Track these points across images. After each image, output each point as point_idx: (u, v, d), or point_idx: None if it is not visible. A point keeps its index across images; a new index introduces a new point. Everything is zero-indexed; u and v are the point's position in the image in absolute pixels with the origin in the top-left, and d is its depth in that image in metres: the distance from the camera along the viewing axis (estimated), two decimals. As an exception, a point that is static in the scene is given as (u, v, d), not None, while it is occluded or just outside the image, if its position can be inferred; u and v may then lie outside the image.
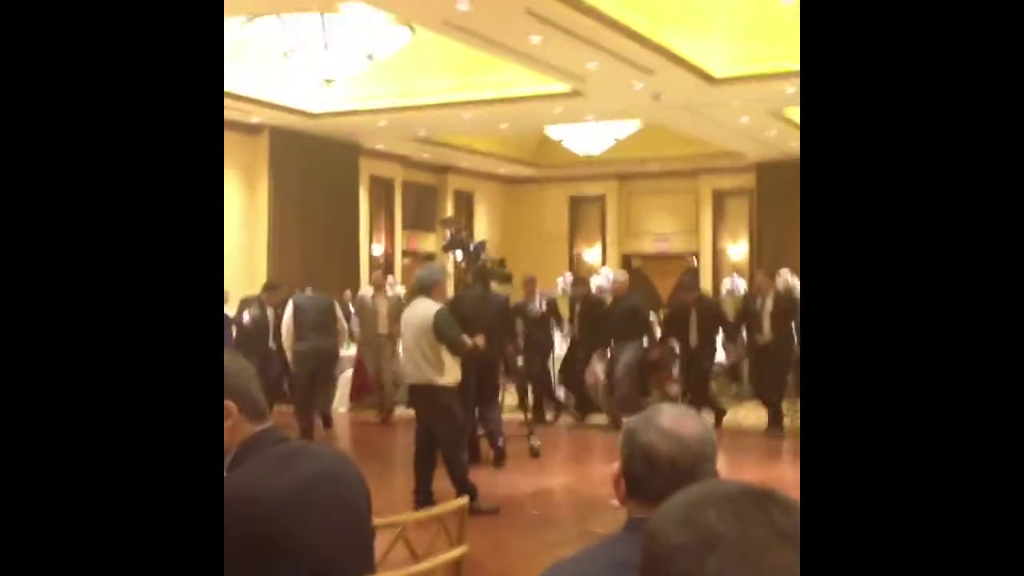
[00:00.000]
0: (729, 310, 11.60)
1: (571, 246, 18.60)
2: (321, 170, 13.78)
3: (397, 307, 11.17)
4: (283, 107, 12.38)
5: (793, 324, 9.75)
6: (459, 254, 8.57)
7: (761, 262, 15.16)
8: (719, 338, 10.60)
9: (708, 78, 10.65)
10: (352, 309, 11.74)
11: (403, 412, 10.67)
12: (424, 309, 6.41)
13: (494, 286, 8.36)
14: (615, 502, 1.78)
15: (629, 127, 14.02)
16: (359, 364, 11.56)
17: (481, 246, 8.32)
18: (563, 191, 18.43)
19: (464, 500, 3.14)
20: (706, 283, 16.60)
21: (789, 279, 11.03)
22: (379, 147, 15.03)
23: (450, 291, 10.77)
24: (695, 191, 17.45)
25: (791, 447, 9.19)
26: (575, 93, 11.26)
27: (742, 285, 13.49)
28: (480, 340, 6.82)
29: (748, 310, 10.15)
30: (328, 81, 9.72)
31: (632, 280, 13.28)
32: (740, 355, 10.55)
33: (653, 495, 1.63)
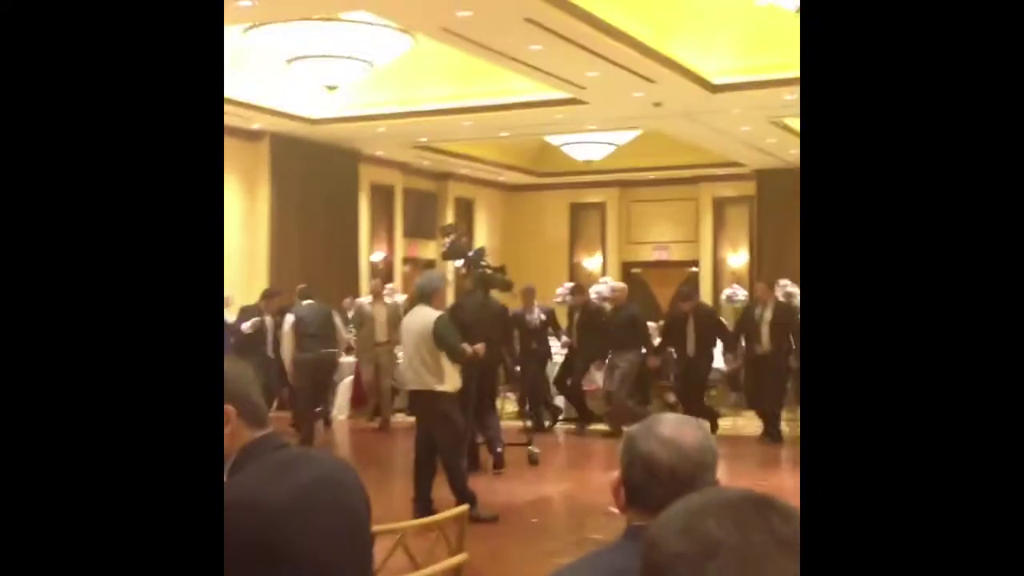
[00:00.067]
0: (729, 319, 11.61)
1: (571, 254, 18.60)
2: (322, 176, 13.78)
3: (395, 315, 11.18)
4: (284, 113, 12.39)
5: (791, 335, 9.76)
6: (459, 261, 8.58)
7: (761, 270, 15.17)
8: (718, 347, 10.63)
9: (708, 86, 10.66)
10: (350, 316, 11.75)
11: (402, 419, 10.67)
12: (424, 316, 6.42)
13: (494, 293, 8.37)
14: (615, 509, 1.78)
15: (629, 134, 14.04)
16: (359, 372, 11.56)
17: (480, 253, 8.32)
18: (563, 199, 18.43)
19: (464, 508, 3.15)
20: (707, 292, 16.59)
21: (789, 288, 11.04)
22: (379, 154, 15.04)
23: (450, 298, 10.78)
24: (695, 199, 17.45)
25: (788, 455, 9.18)
26: (575, 101, 11.28)
27: (742, 294, 13.49)
28: (480, 347, 6.83)
29: (747, 320, 10.17)
30: (330, 88, 9.74)
31: (632, 288, 13.30)
32: (738, 364, 10.56)
33: (653, 503, 1.63)
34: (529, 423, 9.41)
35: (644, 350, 10.31)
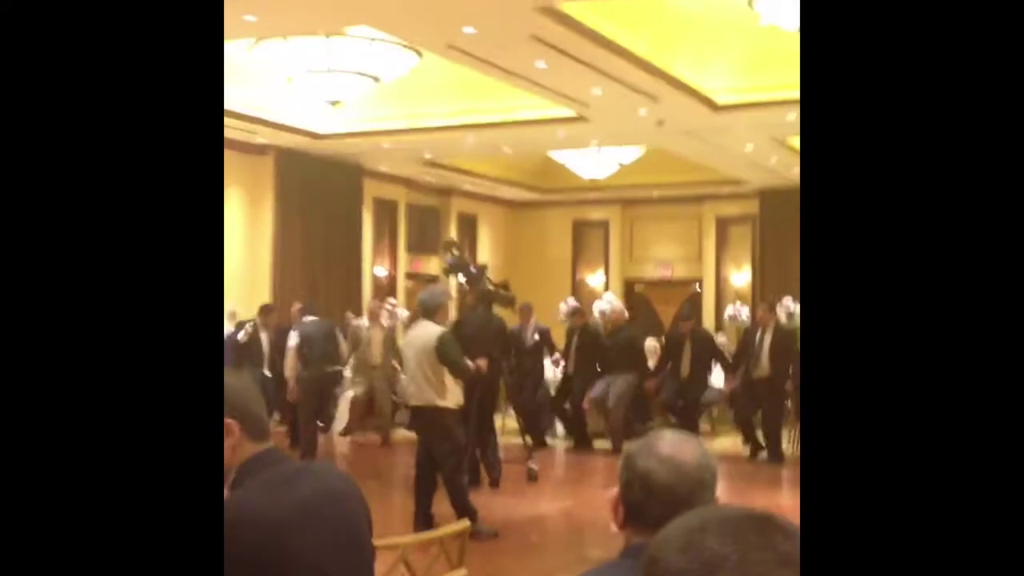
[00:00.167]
0: (732, 337, 11.62)
1: (574, 271, 18.59)
2: (326, 191, 13.80)
3: (391, 338, 11.18)
4: (288, 127, 12.42)
5: (791, 360, 9.77)
6: (460, 277, 8.59)
7: (764, 289, 15.17)
8: (716, 369, 10.69)
9: (711, 105, 10.69)
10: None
11: (403, 434, 10.65)
12: (427, 331, 6.42)
13: (496, 310, 8.37)
14: (614, 527, 1.78)
15: (633, 152, 14.07)
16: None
17: (482, 269, 8.34)
18: (566, 215, 18.44)
19: (465, 523, 3.14)
20: (709, 310, 16.59)
21: (791, 307, 11.05)
22: (383, 169, 15.06)
23: (452, 314, 10.77)
24: (698, 217, 17.46)
25: (789, 474, 9.16)
26: (579, 118, 11.30)
27: (744, 312, 13.50)
28: (483, 363, 6.83)
29: (747, 343, 10.21)
30: (335, 103, 9.77)
31: (635, 306, 13.29)
32: (736, 385, 10.58)
33: (651, 521, 1.63)
34: (529, 440, 9.40)
35: (642, 372, 10.36)
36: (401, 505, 7.00)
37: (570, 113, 11.14)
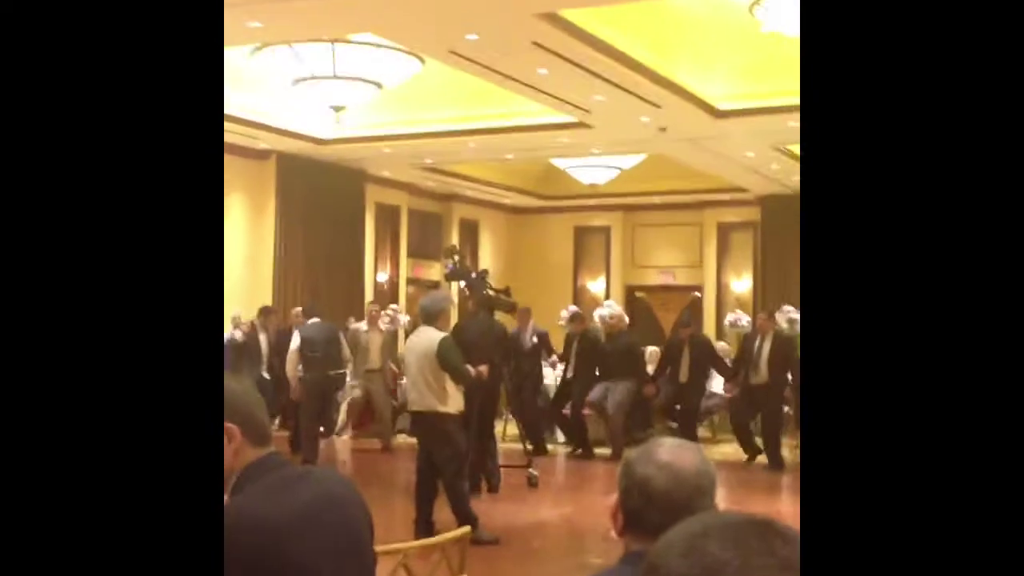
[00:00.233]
0: (733, 344, 11.62)
1: (575, 277, 18.60)
2: (328, 196, 13.82)
3: (390, 342, 11.17)
4: (291, 133, 12.44)
5: (790, 368, 9.77)
6: (462, 282, 8.60)
7: (765, 296, 15.18)
8: (715, 375, 10.70)
9: (713, 112, 10.70)
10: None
11: (404, 440, 10.65)
12: (428, 337, 6.42)
13: (498, 315, 8.37)
14: (614, 534, 1.78)
15: (634, 159, 14.08)
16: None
17: (483, 275, 8.34)
18: (568, 222, 18.45)
19: (466, 529, 3.14)
20: (710, 317, 16.59)
21: (792, 315, 11.06)
22: (385, 174, 15.08)
23: (453, 319, 10.76)
24: (700, 224, 17.47)
25: (773, 480, 9.16)
26: (581, 125, 11.31)
27: (745, 319, 13.50)
28: (484, 369, 6.83)
29: (747, 351, 10.22)
30: (338, 108, 9.79)
31: (636, 312, 13.28)
32: (735, 392, 10.58)
33: (650, 528, 1.63)
34: (529, 446, 9.39)
35: (641, 378, 10.37)
36: (402, 511, 6.99)
37: (572, 119, 11.15)
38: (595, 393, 10.34)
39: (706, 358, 10.56)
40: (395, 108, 11.70)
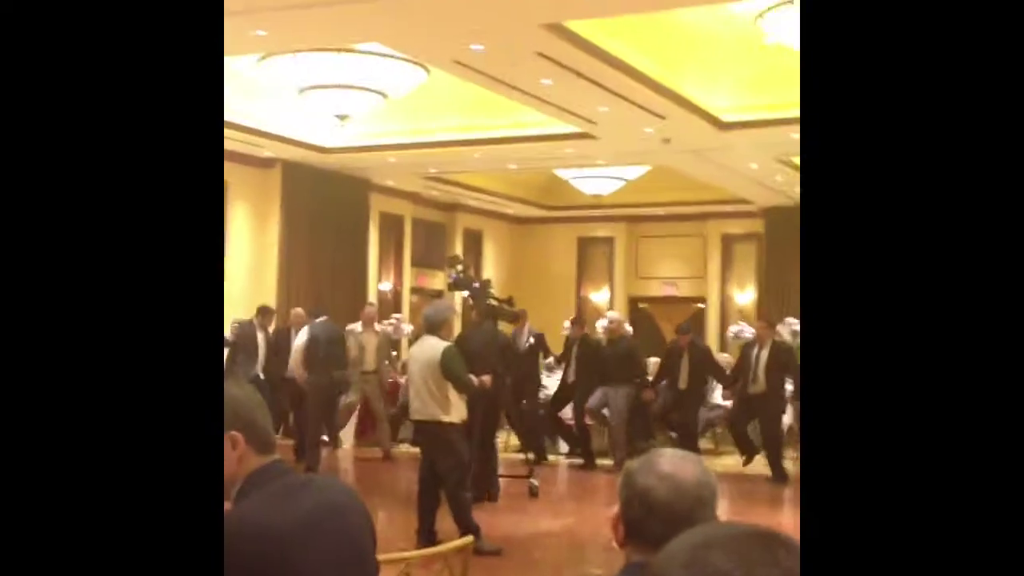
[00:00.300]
0: (735, 356, 11.61)
1: (578, 287, 18.59)
2: (332, 205, 13.83)
3: (386, 344, 11.13)
4: (296, 141, 12.46)
5: (788, 376, 9.76)
6: (465, 292, 8.61)
7: (768, 307, 15.16)
8: (715, 384, 10.68)
9: (717, 123, 10.72)
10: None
11: (406, 449, 10.64)
12: (432, 346, 6.43)
13: (501, 325, 8.38)
14: (615, 544, 1.78)
15: (638, 170, 14.09)
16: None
17: (486, 285, 8.35)
18: (571, 232, 18.45)
19: (469, 539, 3.14)
20: (713, 328, 16.57)
21: (795, 326, 11.04)
22: (390, 183, 15.10)
23: (457, 328, 10.76)
24: (703, 235, 17.46)
25: (775, 492, 9.14)
26: (585, 135, 11.33)
27: (748, 331, 13.49)
28: (487, 379, 6.83)
29: (745, 359, 10.21)
30: (342, 118, 9.81)
31: (638, 323, 13.25)
32: (733, 401, 10.56)
33: (651, 539, 1.64)
34: (530, 456, 9.37)
35: (640, 382, 10.35)
36: (404, 520, 6.98)
37: (576, 130, 11.17)
38: (594, 400, 10.33)
39: (705, 365, 10.52)
40: (400, 118, 11.72)
